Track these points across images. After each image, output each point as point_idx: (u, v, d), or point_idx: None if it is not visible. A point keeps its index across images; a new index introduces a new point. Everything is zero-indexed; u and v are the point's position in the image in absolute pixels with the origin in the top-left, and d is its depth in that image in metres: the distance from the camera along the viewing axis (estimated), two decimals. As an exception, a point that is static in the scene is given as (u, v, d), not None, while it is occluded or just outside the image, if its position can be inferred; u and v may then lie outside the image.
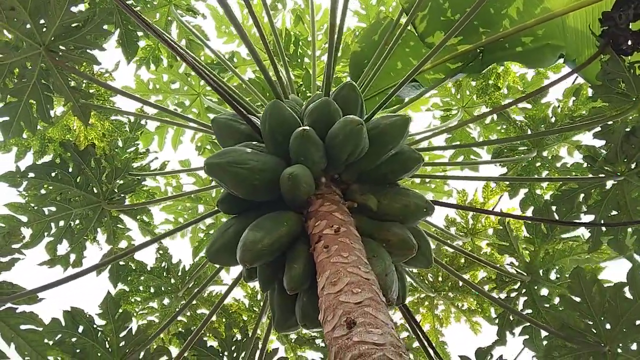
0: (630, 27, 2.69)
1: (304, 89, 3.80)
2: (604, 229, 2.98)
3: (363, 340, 1.48)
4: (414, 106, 4.08)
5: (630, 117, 2.89)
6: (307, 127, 2.27)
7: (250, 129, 2.56)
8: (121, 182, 3.38)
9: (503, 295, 3.32)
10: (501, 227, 3.36)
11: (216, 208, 4.28)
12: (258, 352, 3.53)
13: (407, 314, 2.82)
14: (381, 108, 2.92)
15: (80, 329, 2.80)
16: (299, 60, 3.85)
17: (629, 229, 2.99)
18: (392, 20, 3.53)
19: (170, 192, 4.28)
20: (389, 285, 2.06)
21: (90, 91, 3.24)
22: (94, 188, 3.33)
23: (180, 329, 3.85)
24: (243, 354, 3.53)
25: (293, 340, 4.37)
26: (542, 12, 3.09)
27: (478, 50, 3.45)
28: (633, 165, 2.90)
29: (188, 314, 4.27)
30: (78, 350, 2.80)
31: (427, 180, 4.29)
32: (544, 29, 3.19)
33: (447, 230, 3.83)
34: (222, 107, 3.95)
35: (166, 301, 4.07)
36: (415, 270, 3.76)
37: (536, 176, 3.60)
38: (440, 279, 3.77)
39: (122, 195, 3.39)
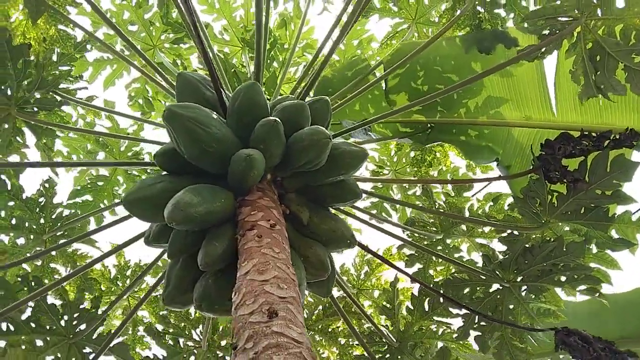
0: (562, 160, 3.05)
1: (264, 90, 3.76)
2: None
3: (283, 333, 1.44)
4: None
5: (534, 236, 3.20)
6: (277, 119, 2.24)
7: (215, 99, 2.47)
8: (41, 96, 3.04)
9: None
10: (390, 290, 3.49)
11: (116, 161, 4.01)
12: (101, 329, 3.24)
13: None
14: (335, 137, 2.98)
15: None
16: (269, 62, 3.84)
17: (496, 333, 3.25)
18: (369, 66, 3.68)
19: (81, 126, 3.92)
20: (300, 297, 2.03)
21: (54, -11, 2.95)
22: (9, 89, 2.96)
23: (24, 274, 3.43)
24: (84, 326, 3.22)
25: (138, 332, 4.09)
26: (495, 115, 3.40)
27: (428, 125, 3.68)
28: (519, 279, 3.18)
29: (39, 263, 3.84)
30: None
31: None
32: (490, 131, 3.51)
33: (340, 277, 3.89)
34: (174, 68, 3.76)
35: (21, 240, 3.63)
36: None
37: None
38: (314, 317, 3.78)
39: (36, 109, 3.04)
